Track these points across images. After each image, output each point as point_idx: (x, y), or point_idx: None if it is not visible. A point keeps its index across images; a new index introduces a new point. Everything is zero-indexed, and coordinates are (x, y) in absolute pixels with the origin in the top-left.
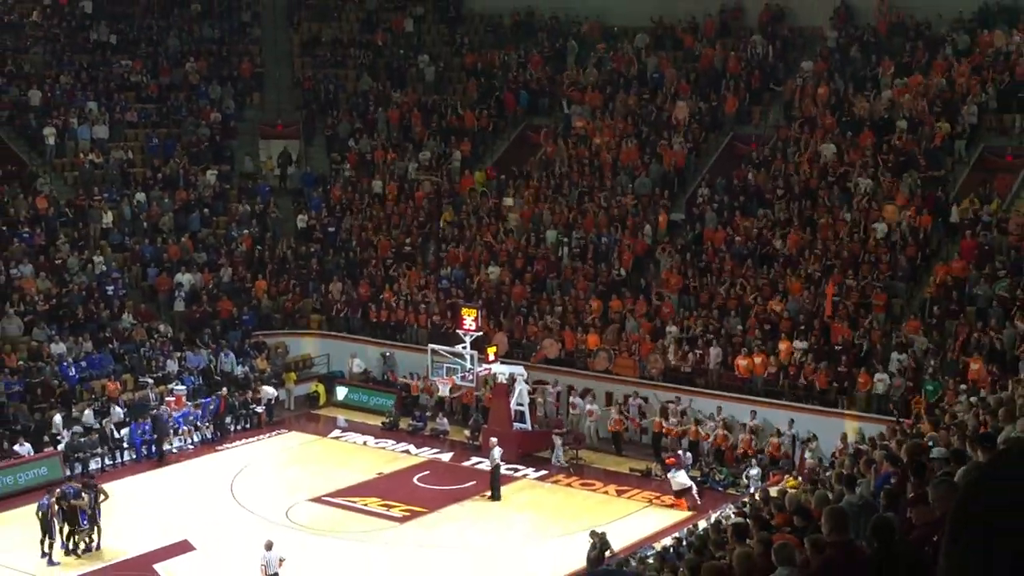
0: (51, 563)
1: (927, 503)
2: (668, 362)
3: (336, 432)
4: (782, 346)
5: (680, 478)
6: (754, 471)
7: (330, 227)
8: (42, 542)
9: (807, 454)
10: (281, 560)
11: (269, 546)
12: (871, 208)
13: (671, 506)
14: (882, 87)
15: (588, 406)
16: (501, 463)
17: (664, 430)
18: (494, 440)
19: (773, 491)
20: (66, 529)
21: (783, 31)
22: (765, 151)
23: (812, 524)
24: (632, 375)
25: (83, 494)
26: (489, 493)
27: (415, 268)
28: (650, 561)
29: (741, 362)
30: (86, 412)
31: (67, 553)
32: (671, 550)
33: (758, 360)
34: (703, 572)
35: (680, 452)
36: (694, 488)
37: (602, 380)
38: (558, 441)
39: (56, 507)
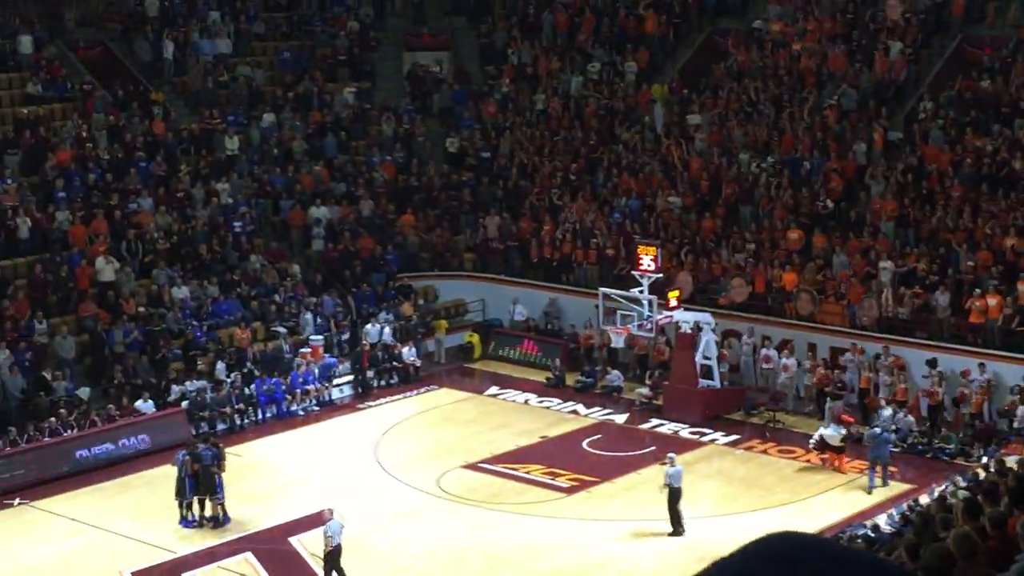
0: (188, 524)
1: None
2: (884, 307)
3: (493, 389)
4: (1021, 287)
5: (830, 432)
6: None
7: (484, 152)
8: (181, 504)
9: None
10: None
11: (330, 514)
12: None
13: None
14: None
15: (784, 360)
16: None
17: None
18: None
19: (1011, 461)
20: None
21: None
22: (1002, 55)
23: None
24: (840, 323)
25: (217, 459)
26: None
27: (582, 198)
28: (859, 542)
29: (976, 304)
30: (218, 365)
31: (200, 525)
32: (887, 528)
33: (992, 302)
34: (927, 555)
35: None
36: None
37: (802, 329)
38: (833, 413)
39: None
